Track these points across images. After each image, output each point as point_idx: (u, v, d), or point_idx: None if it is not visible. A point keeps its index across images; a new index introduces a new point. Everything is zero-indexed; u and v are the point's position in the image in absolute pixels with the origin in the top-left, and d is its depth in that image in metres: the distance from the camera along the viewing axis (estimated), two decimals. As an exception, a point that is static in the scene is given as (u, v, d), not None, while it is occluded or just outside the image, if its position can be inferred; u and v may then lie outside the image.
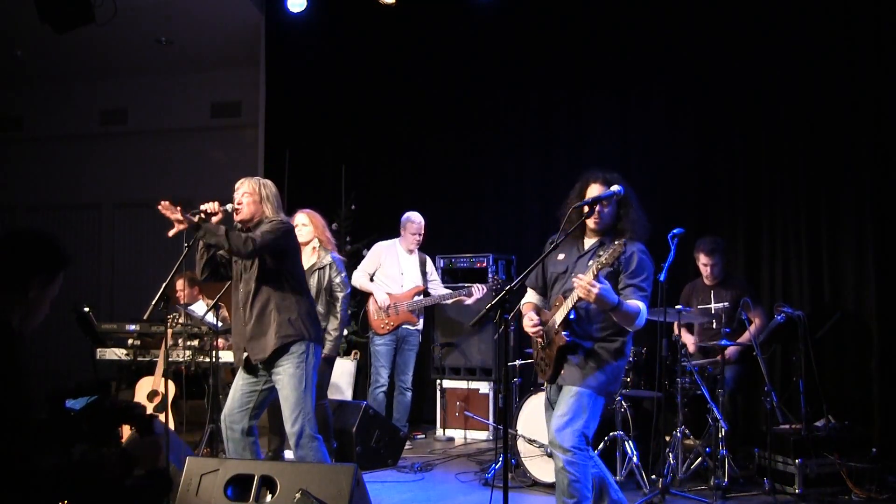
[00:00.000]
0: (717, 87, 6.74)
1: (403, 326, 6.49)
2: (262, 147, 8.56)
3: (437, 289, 6.66)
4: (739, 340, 5.44)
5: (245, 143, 9.23)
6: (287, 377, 4.06)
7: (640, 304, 3.54)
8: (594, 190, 3.68)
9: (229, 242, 3.89)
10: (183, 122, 9.82)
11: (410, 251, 6.61)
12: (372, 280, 6.56)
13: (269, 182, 4.26)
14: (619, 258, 3.44)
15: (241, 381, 4.21)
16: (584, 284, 3.34)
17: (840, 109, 6.22)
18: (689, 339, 5.80)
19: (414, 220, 6.58)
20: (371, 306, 6.51)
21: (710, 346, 5.50)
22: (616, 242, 3.35)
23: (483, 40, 7.65)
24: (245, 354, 4.16)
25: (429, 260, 6.72)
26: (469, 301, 6.46)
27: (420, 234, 6.57)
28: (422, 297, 6.52)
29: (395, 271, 6.55)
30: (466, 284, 6.90)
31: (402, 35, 7.86)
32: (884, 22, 6.08)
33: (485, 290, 6.38)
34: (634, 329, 3.59)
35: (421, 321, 6.62)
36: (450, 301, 6.56)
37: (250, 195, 4.17)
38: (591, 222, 3.67)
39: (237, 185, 4.23)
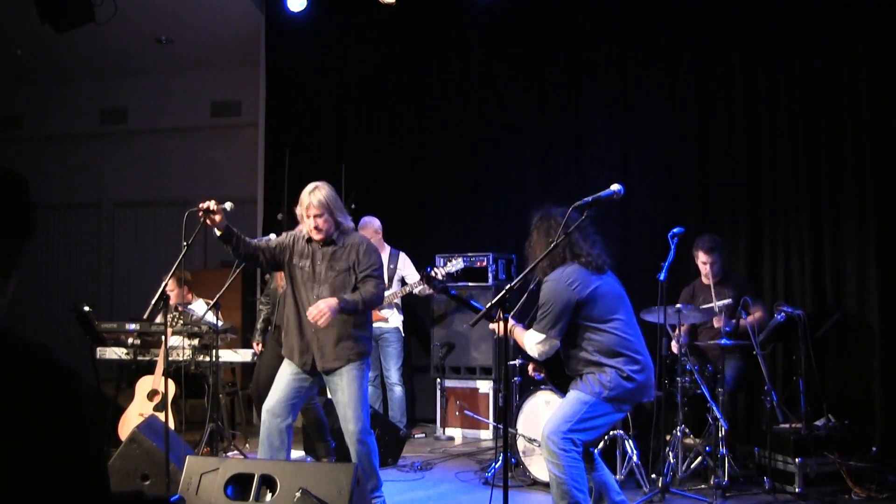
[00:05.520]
0: (717, 84, 6.73)
1: (374, 325, 6.51)
2: (262, 147, 8.55)
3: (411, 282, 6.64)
4: (738, 330, 5.39)
5: (245, 143, 9.23)
6: (349, 380, 4.19)
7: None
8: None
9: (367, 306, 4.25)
10: (183, 121, 9.81)
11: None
12: None
13: (321, 185, 4.20)
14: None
15: (290, 375, 4.27)
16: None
17: (842, 107, 6.22)
18: (674, 346, 5.72)
19: (364, 224, 6.51)
20: None
21: (709, 345, 5.48)
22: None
23: (483, 40, 7.65)
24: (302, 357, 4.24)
25: (402, 256, 6.69)
26: (418, 288, 6.46)
27: (375, 234, 6.47)
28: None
29: None
30: (469, 284, 6.89)
31: (401, 35, 7.85)
32: (884, 19, 6.08)
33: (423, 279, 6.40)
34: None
35: (395, 317, 6.65)
36: (407, 292, 6.54)
37: (320, 213, 4.15)
38: None
39: (302, 200, 4.18)
